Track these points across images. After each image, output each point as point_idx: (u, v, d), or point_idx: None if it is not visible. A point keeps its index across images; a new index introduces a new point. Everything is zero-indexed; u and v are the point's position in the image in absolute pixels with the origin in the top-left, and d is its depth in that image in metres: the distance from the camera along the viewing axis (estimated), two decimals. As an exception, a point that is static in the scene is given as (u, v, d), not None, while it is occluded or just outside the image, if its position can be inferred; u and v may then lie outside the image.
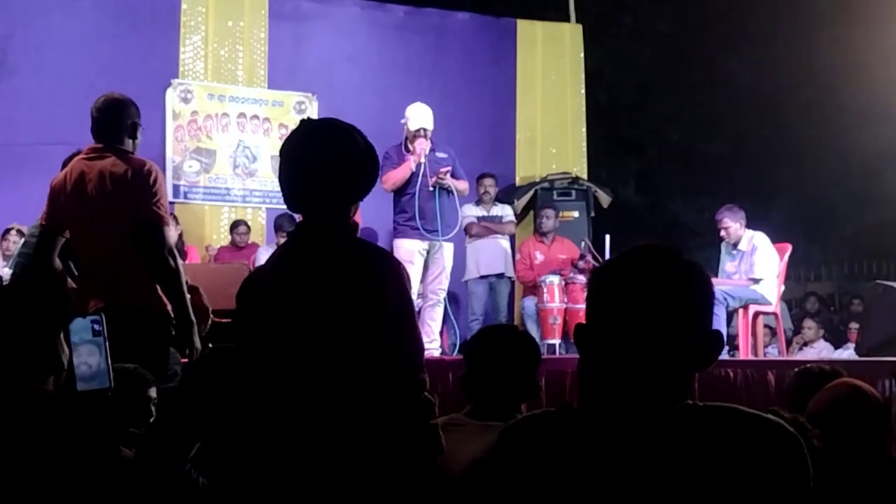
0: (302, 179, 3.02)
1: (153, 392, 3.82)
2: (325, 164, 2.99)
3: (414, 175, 8.65)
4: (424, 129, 8.74)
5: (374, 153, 3.10)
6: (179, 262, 5.06)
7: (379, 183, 8.49)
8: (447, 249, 8.84)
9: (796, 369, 4.45)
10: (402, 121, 8.85)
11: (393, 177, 8.70)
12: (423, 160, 8.64)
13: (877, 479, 3.40)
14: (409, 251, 8.71)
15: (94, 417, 2.72)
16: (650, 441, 1.86)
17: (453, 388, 6.33)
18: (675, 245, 2.02)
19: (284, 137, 3.24)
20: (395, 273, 2.94)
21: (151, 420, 3.63)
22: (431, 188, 8.66)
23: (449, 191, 8.77)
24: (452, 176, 8.78)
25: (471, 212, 10.94)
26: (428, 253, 8.79)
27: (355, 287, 2.85)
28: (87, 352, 2.75)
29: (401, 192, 8.74)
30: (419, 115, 8.79)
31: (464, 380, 3.45)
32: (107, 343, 2.78)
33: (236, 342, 2.97)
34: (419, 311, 9.02)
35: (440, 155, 8.80)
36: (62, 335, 2.81)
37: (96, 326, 2.77)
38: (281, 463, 2.79)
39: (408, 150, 8.75)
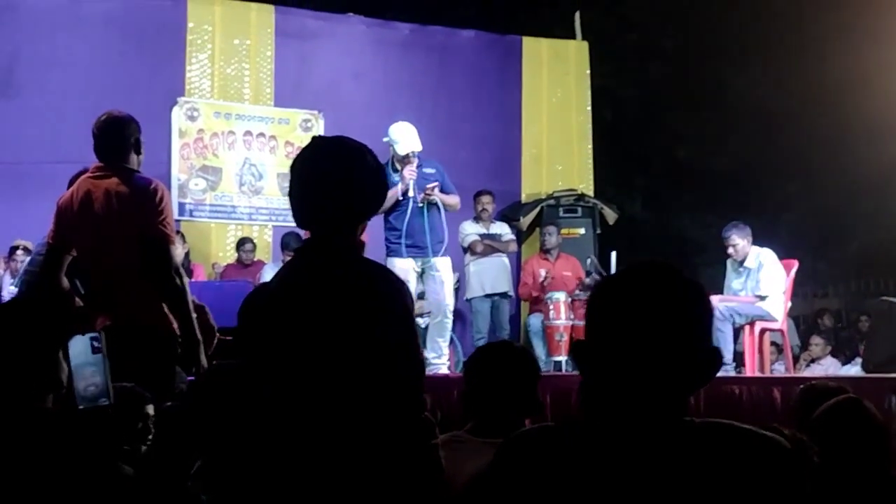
0: (311, 197, 3.04)
1: (150, 409, 3.83)
2: (335, 182, 3.01)
3: (403, 195, 8.65)
4: (414, 153, 8.70)
5: (383, 173, 3.15)
6: (185, 280, 5.09)
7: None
8: (444, 264, 8.82)
9: (801, 386, 4.47)
10: (386, 139, 8.77)
11: None
12: (411, 184, 8.62)
13: (876, 497, 3.41)
14: (402, 270, 8.67)
15: (94, 435, 2.73)
16: (647, 457, 1.88)
17: (458, 406, 6.35)
18: (674, 262, 2.04)
19: (291, 155, 3.28)
20: (399, 294, 2.95)
21: (148, 437, 3.65)
22: (420, 204, 8.66)
23: (438, 206, 8.76)
24: (441, 191, 8.75)
25: (472, 229, 10.97)
26: (423, 270, 8.79)
27: (359, 307, 2.87)
28: (86, 370, 2.76)
29: (390, 211, 8.72)
30: (407, 138, 8.64)
31: (464, 397, 3.48)
32: (107, 360, 2.79)
33: (239, 359, 3.00)
34: (426, 328, 9.04)
35: (427, 171, 8.76)
36: (61, 353, 2.82)
37: (96, 344, 2.78)
38: (282, 481, 2.81)
39: (395, 170, 8.71)
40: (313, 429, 2.82)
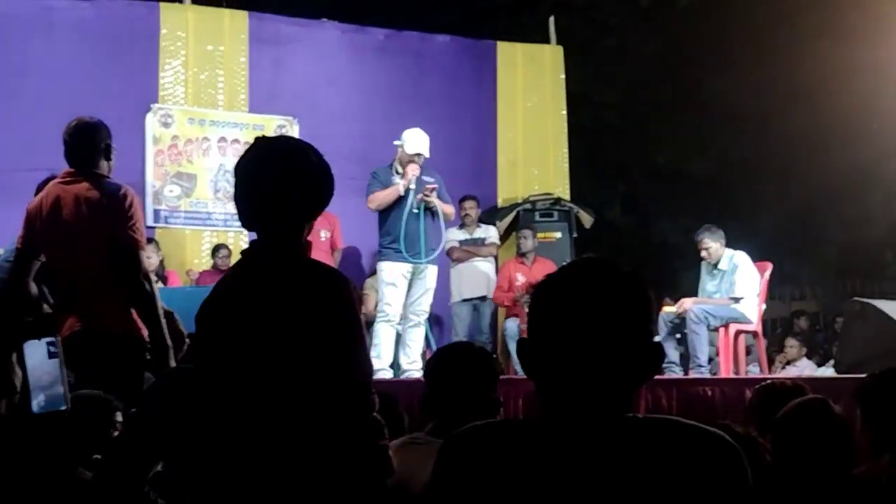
0: (254, 198, 3.08)
1: (119, 417, 3.86)
2: (277, 182, 3.05)
3: (401, 197, 8.72)
4: (420, 156, 8.82)
5: (328, 172, 3.16)
6: (155, 286, 5.12)
7: (365, 204, 8.64)
8: (431, 272, 8.93)
9: (757, 386, 4.53)
10: (397, 142, 8.92)
11: (379, 197, 8.78)
12: (411, 186, 8.71)
13: (836, 497, 3.45)
14: (393, 274, 8.77)
15: (50, 439, 2.75)
16: (590, 453, 1.90)
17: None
18: (653, 266, 2.08)
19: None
20: (345, 294, 2.98)
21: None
22: (416, 209, 8.73)
23: (434, 212, 8.85)
24: (438, 198, 8.86)
25: (453, 236, 11.03)
26: (412, 275, 8.86)
27: (304, 307, 2.91)
28: (42, 375, 2.76)
29: (386, 214, 8.81)
30: (418, 141, 8.86)
31: (424, 398, 3.51)
32: (63, 366, 2.80)
33: (194, 362, 3.05)
34: (402, 333, 9.10)
35: (428, 179, 8.88)
36: (16, 357, 2.83)
37: (52, 349, 2.78)
38: (233, 484, 2.85)
39: (398, 173, 8.83)
40: (259, 432, 2.86)
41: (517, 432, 2.00)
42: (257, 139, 3.17)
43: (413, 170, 8.73)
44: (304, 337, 2.88)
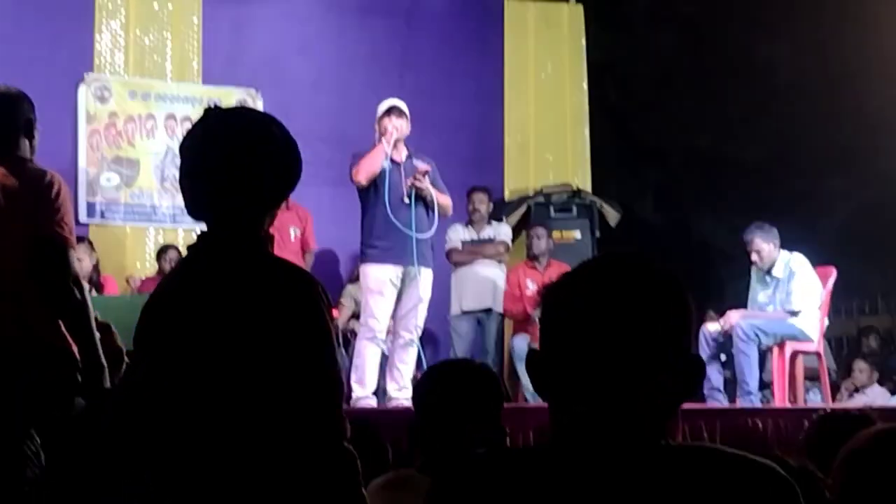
0: (203, 180, 3.06)
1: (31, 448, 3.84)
2: (231, 160, 3.04)
3: (385, 182, 8.70)
4: (396, 108, 8.84)
5: (293, 148, 3.15)
6: (87, 292, 5.11)
7: (352, 180, 8.64)
8: (426, 277, 8.89)
9: (815, 414, 4.53)
10: (375, 128, 8.96)
11: (364, 164, 8.74)
12: (395, 144, 8.71)
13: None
14: (379, 280, 8.74)
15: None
16: (617, 487, 1.89)
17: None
18: (693, 272, 2.06)
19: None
20: (313, 297, 2.99)
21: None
22: (406, 198, 8.73)
23: (428, 203, 8.84)
24: (433, 186, 8.87)
25: (456, 235, 11.03)
26: (402, 281, 8.84)
27: (263, 313, 2.92)
28: None
29: (368, 204, 8.80)
30: (389, 101, 8.93)
31: (412, 427, 3.49)
32: None
33: (133, 378, 3.06)
34: (389, 353, 9.09)
35: (418, 164, 8.89)
36: None
37: None
38: None
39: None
40: (212, 460, 2.87)
41: (527, 464, 1.99)
42: (207, 110, 3.15)
43: (393, 122, 8.76)
44: (264, 349, 2.88)
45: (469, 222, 11.18)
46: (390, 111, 8.85)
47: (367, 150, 8.90)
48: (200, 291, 2.99)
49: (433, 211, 8.92)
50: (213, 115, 3.14)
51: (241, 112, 3.20)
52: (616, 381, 1.92)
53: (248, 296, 2.94)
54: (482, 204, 11.20)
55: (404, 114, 8.89)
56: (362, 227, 8.94)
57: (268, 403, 2.89)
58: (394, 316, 8.98)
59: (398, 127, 8.78)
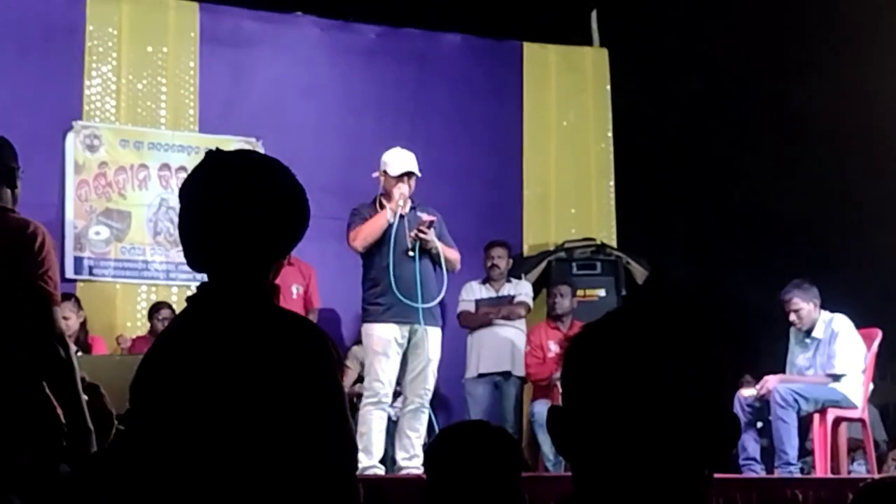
0: (205, 227, 3.07)
1: None
2: (235, 206, 3.04)
3: (388, 236, 8.73)
4: (410, 174, 8.86)
5: (301, 195, 3.15)
6: (73, 352, 5.11)
7: (348, 244, 8.64)
8: (434, 337, 8.90)
9: (863, 483, 4.49)
10: (375, 174, 8.97)
11: (364, 231, 8.78)
12: (400, 209, 8.73)
13: None
14: (383, 340, 8.75)
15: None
16: None
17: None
18: (727, 333, 2.03)
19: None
20: (324, 353, 2.98)
21: None
22: (411, 251, 8.74)
23: (433, 255, 8.84)
24: (439, 240, 8.88)
25: (471, 293, 11.04)
26: (408, 342, 8.83)
27: (271, 371, 2.91)
28: None
29: (371, 259, 8.82)
30: (401, 158, 8.95)
31: (423, 494, 3.47)
32: None
33: (130, 441, 3.04)
34: (397, 420, 9.07)
35: (423, 216, 8.90)
36: None
37: None
38: None
39: (383, 207, 8.86)
40: None
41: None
42: (209, 153, 3.15)
43: (401, 189, 8.77)
44: (272, 409, 2.87)
45: (486, 279, 11.19)
46: (403, 176, 8.85)
47: (368, 201, 8.92)
48: (203, 347, 2.98)
49: (440, 266, 8.93)
50: (215, 159, 3.13)
51: (245, 156, 3.19)
52: (646, 440, 1.90)
53: (254, 352, 2.93)
54: (501, 259, 11.20)
55: (415, 176, 8.93)
56: (364, 283, 8.96)
57: (277, 468, 2.88)
58: (402, 380, 8.97)
59: (405, 194, 8.80)
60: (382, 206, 8.91)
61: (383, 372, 8.78)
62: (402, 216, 8.84)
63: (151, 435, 3.00)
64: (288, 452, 2.88)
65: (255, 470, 2.87)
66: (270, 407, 2.89)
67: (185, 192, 3.13)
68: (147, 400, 3.06)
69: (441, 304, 9.41)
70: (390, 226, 8.75)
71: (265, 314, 3.05)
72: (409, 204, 8.93)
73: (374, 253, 8.81)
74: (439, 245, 8.91)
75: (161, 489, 2.95)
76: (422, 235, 8.80)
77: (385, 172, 8.96)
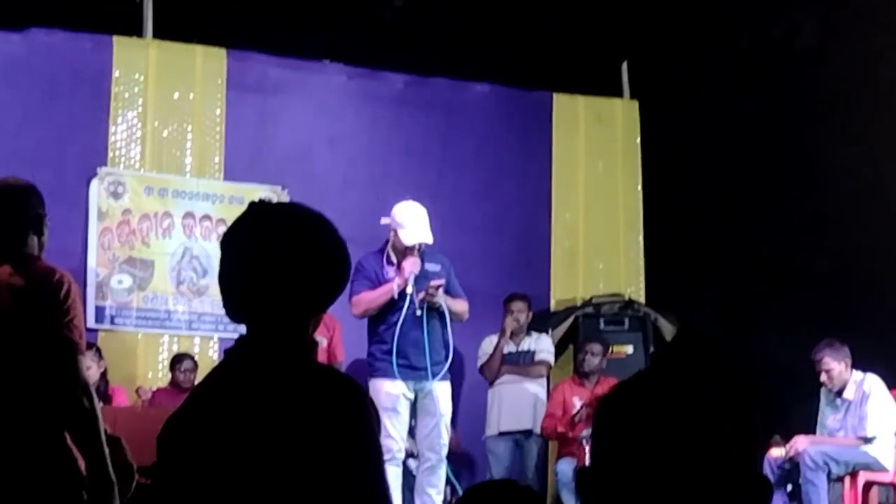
0: (247, 278, 3.07)
1: None
2: (280, 258, 3.05)
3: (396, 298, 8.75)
4: (423, 246, 8.87)
5: (343, 250, 3.18)
6: (97, 402, 5.12)
7: (346, 303, 8.64)
8: (442, 391, 8.89)
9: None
10: (385, 221, 8.95)
11: (366, 300, 8.77)
12: (409, 290, 8.73)
13: None
14: (392, 396, 8.73)
15: None
16: None
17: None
18: (757, 394, 2.04)
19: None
20: (364, 410, 2.99)
21: None
22: (419, 312, 8.74)
23: (441, 313, 8.85)
24: (447, 293, 8.86)
25: (491, 347, 11.02)
26: (416, 397, 8.83)
27: (313, 424, 2.91)
28: None
29: (378, 317, 8.82)
30: (416, 225, 8.90)
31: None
32: None
33: (153, 496, 3.05)
34: (417, 478, 9.07)
35: (431, 268, 8.90)
36: None
37: None
38: None
39: (390, 263, 8.84)
40: None
41: None
42: (251, 204, 3.17)
43: (412, 265, 8.76)
44: (313, 465, 2.87)
45: (505, 332, 11.18)
46: (414, 247, 8.86)
47: (375, 250, 8.92)
48: (243, 401, 2.97)
49: (446, 325, 8.94)
50: (260, 209, 3.16)
51: (290, 207, 3.23)
52: (677, 500, 1.92)
53: (297, 407, 2.93)
54: (521, 313, 11.21)
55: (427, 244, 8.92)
56: (370, 337, 8.95)
57: None
58: (415, 437, 8.97)
59: (415, 269, 8.80)
60: (390, 261, 8.90)
61: (394, 428, 8.76)
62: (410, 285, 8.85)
63: (183, 489, 3.01)
64: (328, 498, 2.89)
65: None
66: (309, 463, 2.89)
67: (229, 241, 3.14)
68: (180, 453, 3.06)
69: (457, 357, 9.39)
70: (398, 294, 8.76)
71: (306, 369, 3.06)
72: (417, 266, 8.92)
73: (382, 311, 8.82)
74: (446, 301, 8.90)
75: None
76: (430, 298, 8.80)
77: (396, 232, 8.94)
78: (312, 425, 2.91)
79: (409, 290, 8.74)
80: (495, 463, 10.99)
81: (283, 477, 2.90)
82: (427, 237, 8.89)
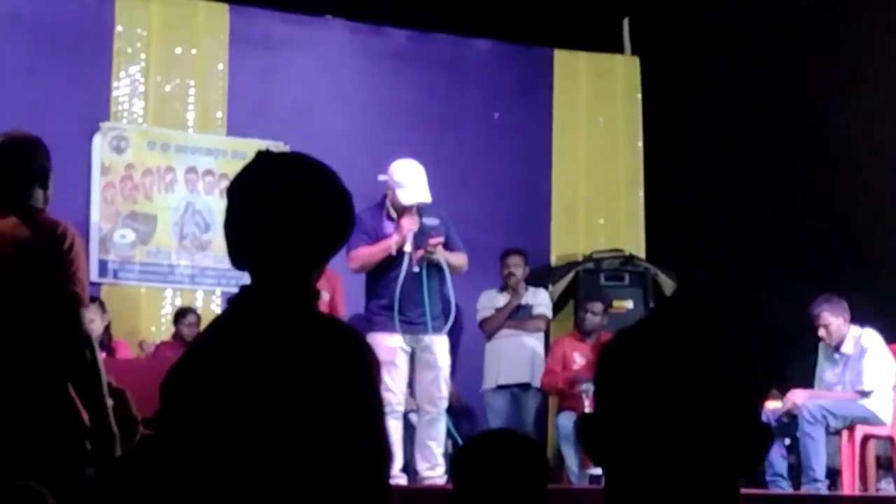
0: (251, 228, 3.08)
1: None
2: (286, 207, 3.05)
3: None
4: (423, 206, 8.85)
5: (348, 201, 3.16)
6: (99, 355, 5.12)
7: (344, 257, 8.64)
8: (440, 344, 8.89)
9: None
10: (383, 178, 8.92)
11: (364, 255, 8.74)
12: (406, 248, 8.71)
13: None
14: (389, 349, 8.70)
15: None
16: None
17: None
18: (755, 350, 2.03)
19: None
20: (367, 360, 3.01)
21: None
22: (417, 268, 8.73)
23: (441, 269, 8.84)
24: (445, 247, 8.84)
25: (489, 301, 11.03)
26: (414, 351, 8.83)
27: (316, 374, 2.93)
28: None
29: (377, 273, 8.81)
30: (415, 185, 8.86)
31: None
32: None
33: (159, 448, 3.06)
34: (417, 430, 9.09)
35: (429, 222, 8.88)
36: None
37: None
38: None
39: (390, 219, 8.82)
40: None
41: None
42: (259, 153, 3.16)
43: (410, 224, 8.74)
44: (315, 415, 2.89)
45: (504, 287, 11.18)
46: (412, 207, 8.85)
47: (374, 204, 8.90)
48: (246, 350, 2.99)
49: (445, 280, 8.93)
50: (267, 158, 3.15)
51: (294, 158, 3.21)
52: (679, 445, 1.92)
53: (298, 357, 2.95)
54: (518, 268, 11.21)
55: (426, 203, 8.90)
56: (368, 292, 8.94)
57: (313, 473, 2.89)
58: (414, 391, 8.98)
59: (413, 227, 8.77)
60: (389, 217, 8.88)
61: (393, 381, 8.74)
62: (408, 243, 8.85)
63: (186, 438, 3.02)
64: (325, 458, 2.90)
65: (291, 474, 2.90)
66: (310, 412, 2.91)
67: (234, 190, 3.14)
68: (182, 402, 3.06)
69: (457, 310, 9.38)
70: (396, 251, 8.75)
71: (308, 318, 3.07)
72: (415, 225, 8.91)
73: (380, 266, 8.80)
74: (445, 257, 8.89)
75: (196, 492, 2.97)
76: (429, 255, 8.79)
77: (394, 191, 8.91)
78: (314, 375, 2.92)
79: (408, 248, 8.72)
80: (493, 416, 11.02)
81: (284, 426, 2.91)
82: (425, 196, 8.86)
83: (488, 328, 11.10)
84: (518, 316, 11.24)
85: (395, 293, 8.67)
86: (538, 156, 13.09)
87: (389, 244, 8.72)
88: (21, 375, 5.00)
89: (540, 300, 11.32)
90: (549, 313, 11.48)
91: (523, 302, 11.21)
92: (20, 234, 5.09)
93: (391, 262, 8.74)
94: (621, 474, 1.98)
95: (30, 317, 5.02)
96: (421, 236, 8.81)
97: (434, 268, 8.87)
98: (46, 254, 5.05)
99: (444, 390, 8.99)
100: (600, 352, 2.06)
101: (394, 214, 8.84)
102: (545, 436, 11.45)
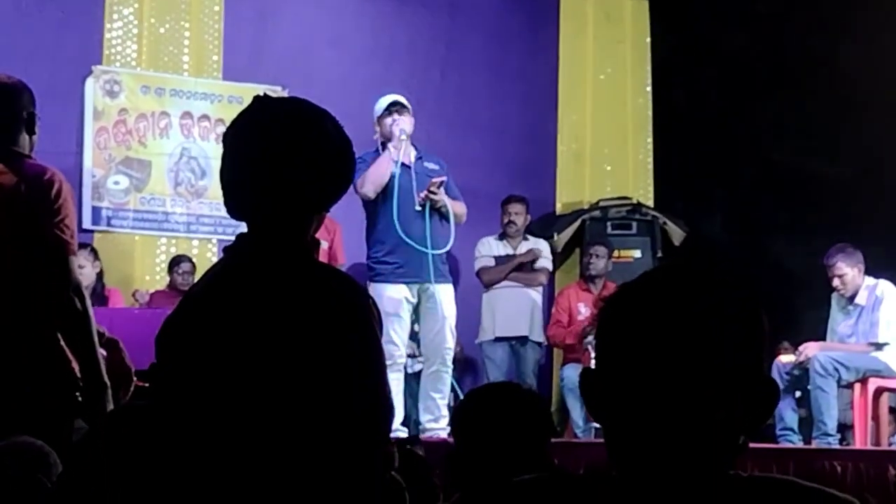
0: (250, 175, 3.07)
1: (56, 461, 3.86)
2: (283, 155, 3.04)
3: (392, 189, 8.70)
4: (397, 104, 8.84)
5: (348, 147, 3.17)
6: (89, 304, 5.11)
7: (346, 207, 8.60)
8: (445, 293, 8.88)
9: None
10: (375, 136, 8.96)
11: (371, 175, 8.73)
12: (404, 145, 8.71)
13: None
14: (393, 300, 8.70)
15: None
16: None
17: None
18: (767, 299, 2.01)
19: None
20: (366, 309, 2.99)
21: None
22: (420, 207, 8.72)
23: (443, 213, 8.83)
24: (446, 193, 8.85)
25: (488, 250, 11.01)
26: (419, 301, 8.82)
27: (314, 323, 2.92)
28: None
29: (376, 215, 8.79)
30: (386, 97, 9.00)
31: (450, 458, 3.47)
32: None
33: (153, 397, 3.04)
34: (421, 383, 9.09)
35: (430, 165, 8.88)
36: None
37: None
38: None
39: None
40: (249, 479, 2.86)
41: (579, 493, 1.98)
42: (256, 98, 3.16)
43: (398, 122, 8.76)
44: (313, 364, 2.89)
45: (503, 235, 11.15)
46: (391, 108, 8.84)
47: (368, 154, 8.90)
48: (242, 300, 2.99)
49: (448, 221, 8.91)
50: (263, 104, 3.13)
51: (293, 103, 3.18)
52: (682, 402, 1.90)
53: (296, 308, 2.94)
54: (519, 216, 11.17)
55: (406, 109, 8.91)
56: (369, 240, 8.94)
57: (314, 424, 2.89)
58: (420, 342, 8.97)
59: (404, 128, 8.78)
60: (385, 149, 8.89)
61: (396, 333, 8.74)
62: (408, 166, 8.83)
63: (181, 390, 3.00)
64: (323, 413, 2.89)
65: (288, 428, 2.88)
66: (309, 364, 2.90)
67: (231, 136, 3.13)
68: (178, 354, 3.05)
69: (452, 260, 9.38)
70: (394, 177, 8.71)
71: (306, 268, 3.06)
72: (413, 152, 8.91)
73: (380, 207, 8.78)
74: (448, 202, 8.88)
75: (195, 443, 2.95)
76: (433, 196, 8.77)
77: (378, 120, 8.94)
78: (312, 326, 2.91)
79: (404, 137, 8.70)
80: (492, 368, 11.03)
81: (281, 381, 2.91)
82: (400, 98, 8.97)
83: (487, 279, 11.07)
84: (520, 269, 11.21)
85: (397, 237, 8.65)
86: (544, 101, 13.06)
87: (388, 155, 8.73)
88: (8, 325, 4.98)
89: (540, 250, 11.29)
90: (550, 265, 11.46)
91: (523, 251, 11.17)
92: (5, 181, 5.06)
93: (389, 202, 8.70)
94: (622, 431, 1.96)
95: (17, 265, 5.00)
96: (424, 178, 8.79)
97: (436, 212, 8.85)
98: (33, 200, 5.02)
99: (451, 341, 8.99)
100: (603, 306, 2.03)
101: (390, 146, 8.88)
102: (549, 389, 11.46)
